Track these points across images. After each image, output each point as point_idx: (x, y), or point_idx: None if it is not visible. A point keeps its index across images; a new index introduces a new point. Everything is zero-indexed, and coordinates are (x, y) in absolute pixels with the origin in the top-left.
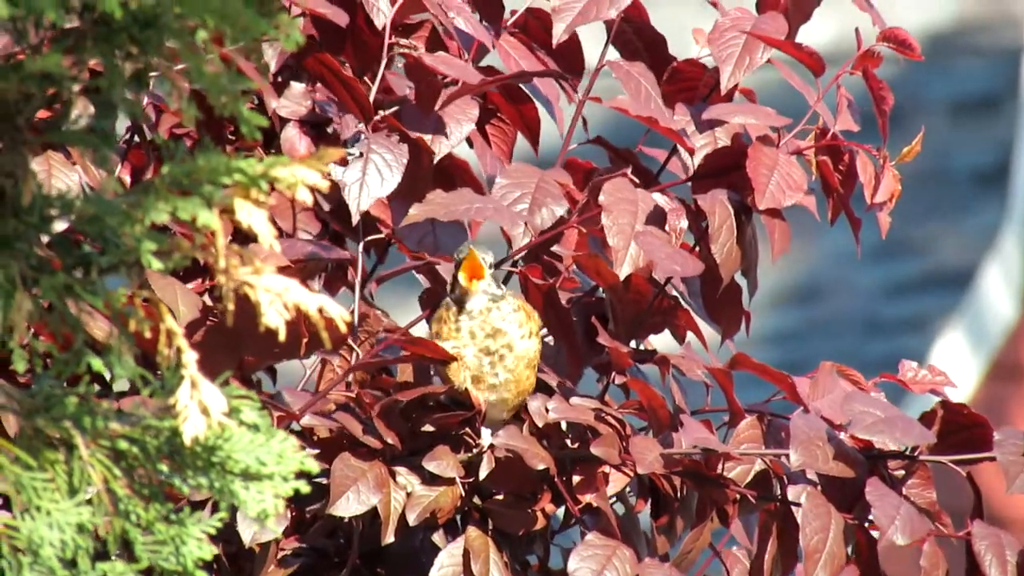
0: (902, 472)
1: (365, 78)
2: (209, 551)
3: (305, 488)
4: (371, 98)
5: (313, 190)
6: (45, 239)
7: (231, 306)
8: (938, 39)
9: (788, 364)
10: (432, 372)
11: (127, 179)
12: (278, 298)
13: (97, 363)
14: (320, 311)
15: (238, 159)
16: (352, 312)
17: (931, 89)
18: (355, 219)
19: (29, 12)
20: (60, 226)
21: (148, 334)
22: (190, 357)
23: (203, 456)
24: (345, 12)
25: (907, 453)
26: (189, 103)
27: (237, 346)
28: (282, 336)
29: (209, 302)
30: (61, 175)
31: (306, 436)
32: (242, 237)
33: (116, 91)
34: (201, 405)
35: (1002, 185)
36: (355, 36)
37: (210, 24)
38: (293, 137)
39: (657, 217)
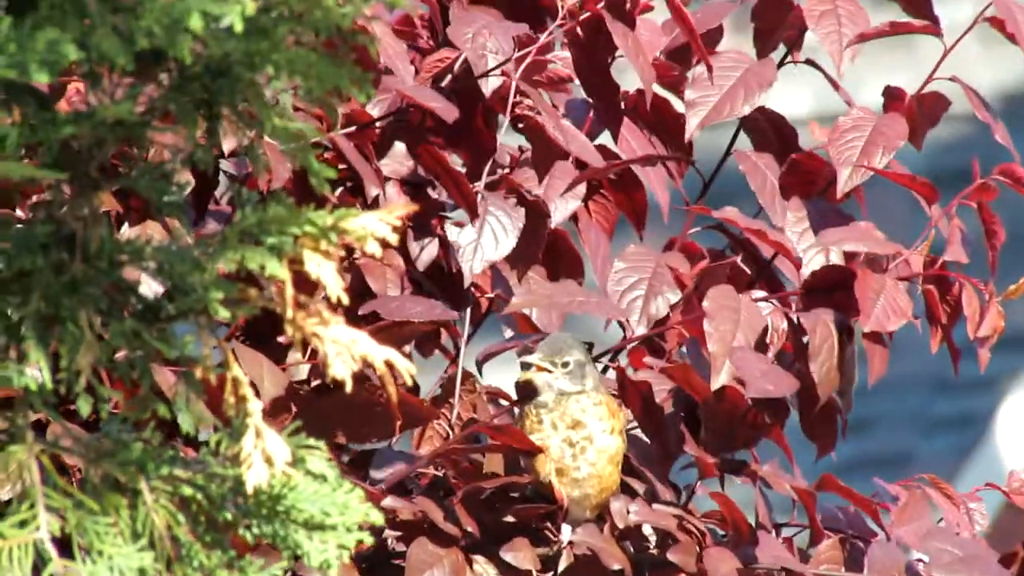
0: None
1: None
2: None
3: (368, 539)
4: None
5: (406, 251)
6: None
7: (299, 355)
8: (1011, 99)
9: (856, 421)
10: (521, 463)
11: None
12: (346, 350)
13: (164, 409)
14: (388, 364)
15: (308, 211)
16: (455, 375)
17: (1005, 149)
18: (467, 281)
19: (100, 59)
20: (132, 273)
21: (214, 381)
22: (255, 406)
23: (267, 505)
24: (457, 108)
25: None
26: (257, 155)
27: (327, 426)
28: (348, 388)
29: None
30: None
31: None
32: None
33: (190, 139)
34: (265, 454)
35: None
36: (471, 130)
37: (282, 75)
38: (393, 196)
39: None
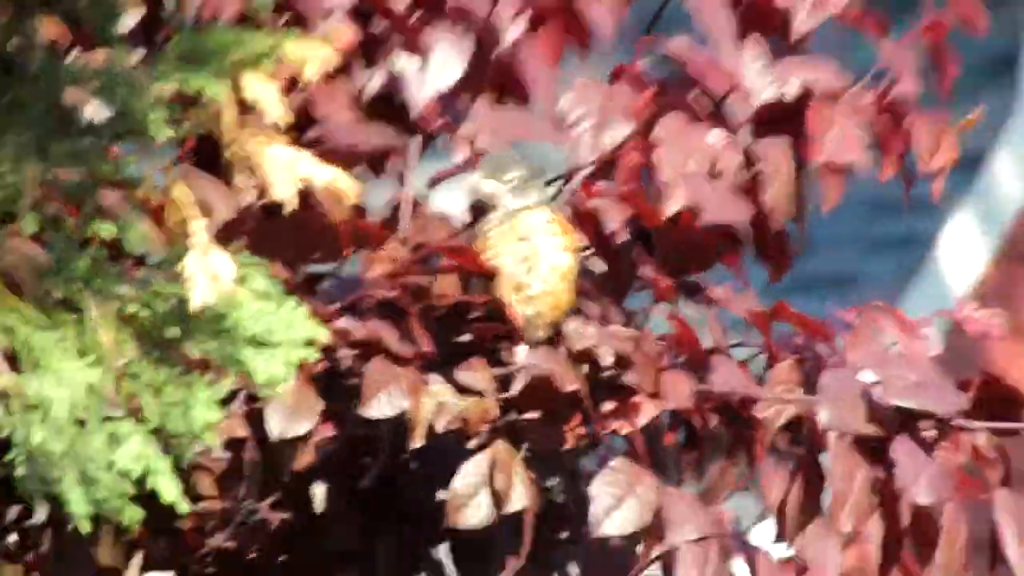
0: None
1: None
2: (217, 415)
3: (313, 355)
4: None
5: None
6: None
7: (239, 177)
8: None
9: (795, 241)
10: (474, 284)
11: None
12: (287, 169)
13: (107, 228)
14: (330, 184)
15: (246, 33)
16: (402, 203)
17: None
18: (414, 111)
19: None
20: (75, 96)
21: (157, 201)
22: (199, 224)
23: (212, 323)
24: None
25: (942, 416)
26: None
27: (278, 248)
28: (290, 208)
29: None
30: None
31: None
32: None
33: None
34: (211, 272)
35: (1013, 69)
36: None
37: None
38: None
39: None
